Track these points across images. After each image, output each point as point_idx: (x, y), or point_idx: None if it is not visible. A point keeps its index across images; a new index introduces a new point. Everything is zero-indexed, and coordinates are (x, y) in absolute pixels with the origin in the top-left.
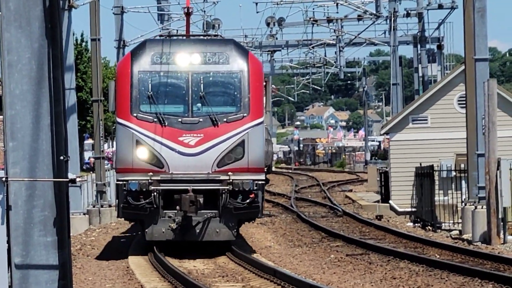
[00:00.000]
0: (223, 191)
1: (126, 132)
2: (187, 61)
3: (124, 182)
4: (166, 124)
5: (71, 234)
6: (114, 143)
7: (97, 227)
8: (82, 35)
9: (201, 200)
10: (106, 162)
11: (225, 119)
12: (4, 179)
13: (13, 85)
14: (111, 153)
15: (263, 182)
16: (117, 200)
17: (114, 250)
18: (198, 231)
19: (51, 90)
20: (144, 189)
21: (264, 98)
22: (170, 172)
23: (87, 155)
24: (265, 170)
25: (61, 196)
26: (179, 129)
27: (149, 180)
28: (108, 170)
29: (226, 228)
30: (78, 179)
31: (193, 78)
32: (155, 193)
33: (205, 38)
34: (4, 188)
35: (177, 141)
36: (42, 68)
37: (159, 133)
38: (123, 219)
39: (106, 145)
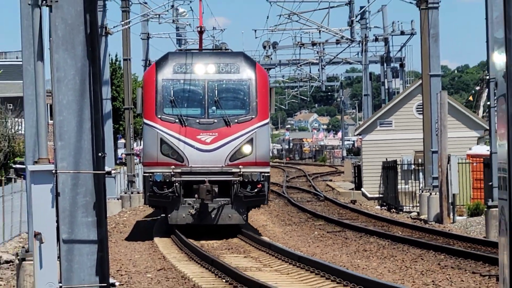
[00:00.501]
0: (235, 182)
1: (152, 131)
2: (203, 70)
3: (150, 174)
4: (186, 124)
5: (107, 215)
6: (142, 141)
7: (128, 210)
8: (116, 55)
9: (216, 189)
10: (135, 157)
11: (236, 120)
12: (54, 171)
13: (61, 96)
14: (139, 150)
15: (268, 174)
16: (144, 190)
17: (142, 228)
18: (213, 216)
19: (91, 100)
20: (167, 180)
21: (269, 102)
22: (190, 165)
23: (120, 152)
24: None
25: (99, 185)
26: (197, 129)
27: (172, 172)
28: (137, 164)
29: (237, 213)
30: (112, 171)
31: (208, 85)
32: (176, 184)
33: (219, 51)
34: (54, 178)
35: (195, 139)
36: (84, 82)
37: (180, 132)
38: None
39: (135, 144)
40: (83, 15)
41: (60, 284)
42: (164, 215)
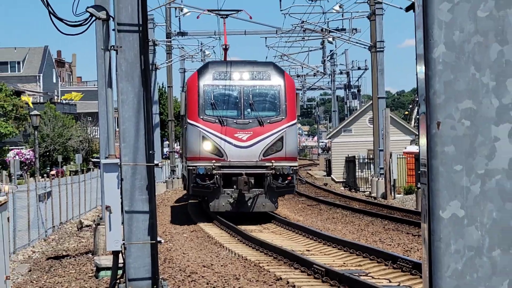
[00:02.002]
0: (268, 175)
1: (195, 130)
2: (239, 77)
3: (194, 167)
4: (225, 124)
5: (155, 194)
6: (180, 141)
7: (170, 190)
8: (162, 83)
9: (252, 181)
10: (175, 154)
11: (268, 121)
12: (119, 164)
13: (124, 112)
14: (179, 149)
15: (296, 167)
16: (187, 181)
17: (181, 202)
18: (249, 204)
19: (144, 115)
20: (209, 173)
21: (296, 105)
22: (228, 160)
23: (165, 150)
24: None
25: (150, 173)
26: (234, 128)
27: (213, 166)
28: (176, 158)
29: (270, 202)
30: (159, 164)
31: (244, 90)
32: (217, 176)
33: (252, 61)
34: (119, 169)
35: (233, 137)
36: (140, 103)
37: (220, 131)
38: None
39: (175, 145)
40: (139, 56)
41: (123, 242)
42: (193, 201)
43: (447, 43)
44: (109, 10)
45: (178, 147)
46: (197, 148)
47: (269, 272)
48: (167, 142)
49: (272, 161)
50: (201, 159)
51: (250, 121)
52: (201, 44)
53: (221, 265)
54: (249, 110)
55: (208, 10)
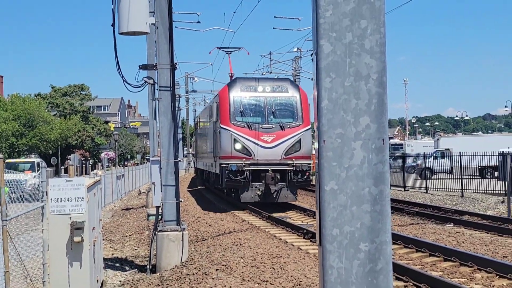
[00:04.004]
0: (289, 171)
1: (227, 134)
2: (262, 90)
3: (226, 165)
4: (252, 128)
5: (178, 175)
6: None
7: (187, 174)
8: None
9: (278, 176)
10: (190, 155)
11: (288, 126)
12: (159, 160)
13: (163, 133)
14: (191, 151)
15: (311, 164)
16: (220, 176)
17: (194, 179)
18: (274, 196)
19: (173, 133)
20: (240, 169)
21: (309, 114)
22: (256, 159)
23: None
24: None
25: (176, 165)
26: (260, 132)
27: (243, 164)
28: (190, 157)
29: (291, 194)
30: (181, 160)
31: (267, 100)
32: (247, 172)
33: (271, 78)
34: (159, 163)
35: (259, 139)
36: (171, 127)
37: (248, 134)
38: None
39: (191, 149)
40: (170, 103)
41: (162, 201)
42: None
43: (329, 99)
44: (155, 79)
45: (192, 150)
46: (229, 149)
47: (249, 223)
48: (186, 148)
49: (293, 159)
50: (232, 158)
51: (273, 126)
52: (204, 96)
53: (215, 213)
54: (271, 117)
55: (217, 48)
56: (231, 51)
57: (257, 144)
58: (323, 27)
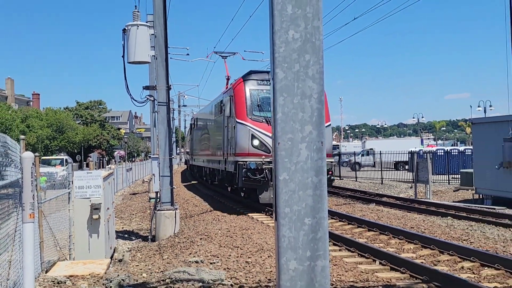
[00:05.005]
0: None
1: (245, 129)
2: None
3: (244, 162)
4: (271, 123)
5: (172, 168)
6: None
7: (179, 167)
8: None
9: None
10: (181, 153)
11: None
12: (158, 157)
13: (162, 137)
14: (183, 150)
15: (333, 163)
16: (237, 175)
17: (184, 172)
18: None
19: (168, 138)
20: (259, 167)
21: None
22: None
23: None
24: None
25: (171, 160)
26: None
27: (262, 161)
28: (182, 154)
29: None
30: (173, 157)
31: None
32: (266, 170)
33: None
34: (158, 159)
35: None
36: (167, 133)
37: (267, 129)
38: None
39: (182, 149)
40: (166, 115)
41: (160, 187)
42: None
43: (282, 112)
44: (155, 96)
45: (186, 149)
46: (246, 145)
47: (226, 204)
48: (178, 148)
49: None
50: (250, 155)
51: None
52: (192, 110)
53: (200, 196)
54: None
55: (214, 52)
56: (227, 56)
57: None
58: (278, 59)
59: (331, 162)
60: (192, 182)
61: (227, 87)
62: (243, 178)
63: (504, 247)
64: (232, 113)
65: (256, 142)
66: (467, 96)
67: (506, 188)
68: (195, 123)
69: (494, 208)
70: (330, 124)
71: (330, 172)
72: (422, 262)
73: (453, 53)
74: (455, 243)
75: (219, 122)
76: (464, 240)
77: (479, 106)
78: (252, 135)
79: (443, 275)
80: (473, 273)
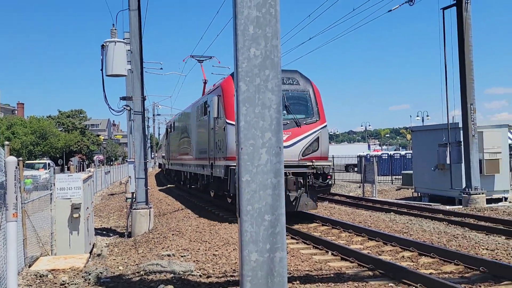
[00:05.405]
0: (309, 174)
1: (235, 130)
2: None
3: (235, 167)
4: None
5: (147, 172)
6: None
7: (152, 170)
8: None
9: (301, 181)
10: (156, 157)
11: (304, 122)
12: (134, 161)
13: (135, 142)
14: (157, 155)
15: (331, 166)
16: (228, 181)
17: (158, 176)
18: (294, 204)
19: (144, 144)
20: None
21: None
22: None
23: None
24: None
25: (145, 164)
26: None
27: None
28: (153, 159)
29: (312, 201)
30: (148, 161)
31: None
32: None
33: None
34: (134, 163)
35: None
36: (142, 140)
37: None
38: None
39: (156, 154)
40: (142, 123)
41: (136, 188)
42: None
43: (245, 120)
44: (131, 106)
45: (157, 154)
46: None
47: (195, 203)
48: (152, 153)
49: (313, 160)
50: None
51: (288, 122)
52: (165, 118)
53: (173, 197)
54: (285, 112)
55: (191, 56)
56: (203, 60)
57: None
58: (241, 74)
59: (329, 165)
60: (169, 186)
61: (204, 92)
62: (235, 184)
63: (438, 238)
64: (220, 114)
65: None
66: (407, 107)
67: (440, 187)
68: (172, 127)
69: (430, 205)
70: (326, 126)
71: (329, 176)
72: (368, 253)
73: (395, 68)
74: (397, 235)
75: (203, 125)
76: (405, 232)
77: (417, 116)
78: None
79: (387, 263)
80: (412, 261)
